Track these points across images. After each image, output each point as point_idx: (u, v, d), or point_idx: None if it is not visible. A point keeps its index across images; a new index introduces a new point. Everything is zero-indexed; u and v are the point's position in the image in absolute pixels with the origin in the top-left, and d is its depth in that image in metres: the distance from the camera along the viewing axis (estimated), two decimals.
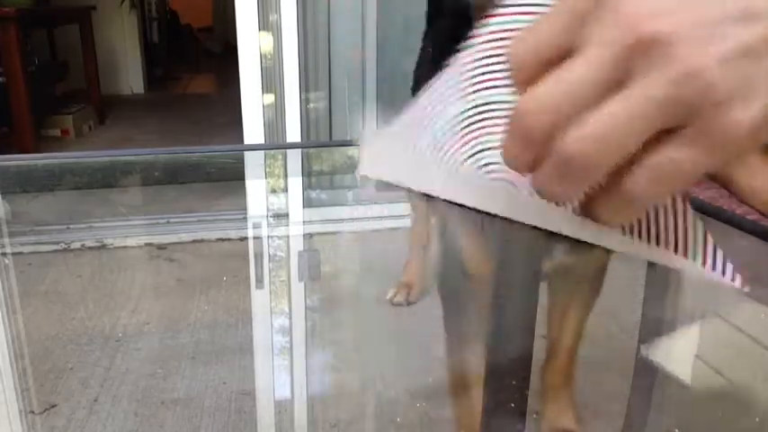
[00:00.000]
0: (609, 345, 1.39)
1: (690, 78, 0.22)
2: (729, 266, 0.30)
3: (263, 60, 2.01)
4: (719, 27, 0.22)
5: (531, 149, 0.25)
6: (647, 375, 0.81)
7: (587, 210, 0.27)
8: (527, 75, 0.25)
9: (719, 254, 0.31)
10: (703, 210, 0.44)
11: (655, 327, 0.83)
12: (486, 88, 0.33)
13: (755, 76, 0.22)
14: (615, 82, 0.23)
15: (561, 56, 0.24)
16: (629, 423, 0.85)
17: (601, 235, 0.31)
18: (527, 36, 0.26)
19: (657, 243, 0.31)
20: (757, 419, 0.88)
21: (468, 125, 0.34)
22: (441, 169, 0.34)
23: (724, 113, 0.22)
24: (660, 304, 0.72)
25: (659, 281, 0.70)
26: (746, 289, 0.30)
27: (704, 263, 0.31)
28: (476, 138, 0.34)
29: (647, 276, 0.72)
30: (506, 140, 0.26)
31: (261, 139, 2.05)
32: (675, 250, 0.31)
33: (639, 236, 0.31)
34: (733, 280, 0.30)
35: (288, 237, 1.46)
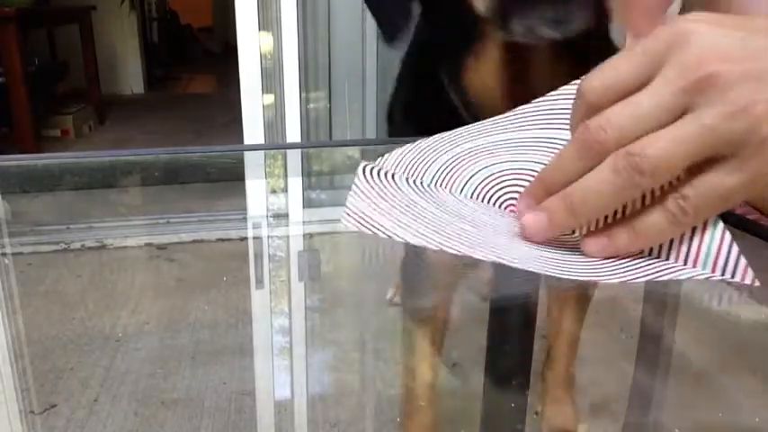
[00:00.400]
0: (609, 345, 1.39)
1: (741, 114, 0.26)
2: (741, 264, 0.31)
3: (263, 60, 2.01)
4: None
5: (593, 159, 0.30)
6: (647, 375, 0.81)
7: (626, 232, 0.31)
8: (598, 104, 0.30)
9: (733, 252, 0.31)
10: None
11: (655, 326, 0.83)
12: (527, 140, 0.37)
13: None
14: (676, 112, 0.28)
15: (632, 91, 0.29)
16: (629, 423, 0.85)
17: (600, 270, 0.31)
18: (604, 71, 0.30)
19: (668, 257, 0.31)
20: (757, 419, 0.88)
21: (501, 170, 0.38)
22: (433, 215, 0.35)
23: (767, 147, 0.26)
24: (660, 304, 0.72)
25: (659, 281, 0.70)
26: (757, 283, 0.31)
27: (714, 266, 0.31)
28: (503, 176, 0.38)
29: None
30: (569, 151, 0.31)
31: (261, 139, 2.05)
32: (686, 259, 0.31)
33: (650, 253, 0.31)
34: (743, 278, 0.31)
35: (288, 237, 1.46)
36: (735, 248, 0.31)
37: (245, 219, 1.91)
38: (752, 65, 0.26)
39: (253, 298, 1.56)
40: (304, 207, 2.13)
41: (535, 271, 0.31)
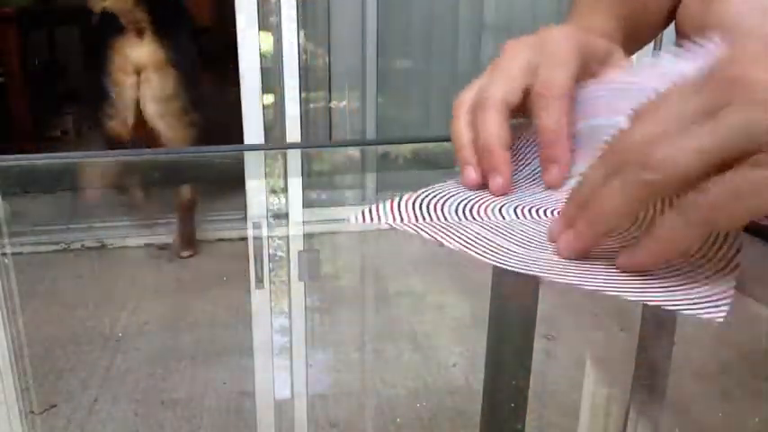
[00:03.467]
0: (609, 345, 1.39)
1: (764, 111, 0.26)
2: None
3: (263, 60, 2.01)
4: None
5: (614, 169, 0.30)
6: (648, 375, 0.81)
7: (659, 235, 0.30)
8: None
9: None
10: None
11: (655, 327, 0.83)
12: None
13: None
14: (707, 113, 0.27)
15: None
16: (629, 423, 0.85)
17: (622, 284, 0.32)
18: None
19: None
20: (757, 419, 0.88)
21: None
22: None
23: None
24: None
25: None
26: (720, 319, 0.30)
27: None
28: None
29: None
30: (594, 165, 0.31)
31: (261, 139, 2.05)
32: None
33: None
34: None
35: (288, 237, 1.46)
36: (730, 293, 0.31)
37: (245, 219, 1.91)
38: None
39: (253, 298, 1.56)
40: (304, 207, 2.13)
41: (577, 285, 0.31)
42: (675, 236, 0.29)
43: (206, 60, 2.22)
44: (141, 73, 1.84)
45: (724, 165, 0.27)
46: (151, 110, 1.86)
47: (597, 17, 0.48)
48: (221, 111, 2.27)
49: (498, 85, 0.39)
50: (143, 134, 1.89)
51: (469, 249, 0.33)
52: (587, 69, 0.40)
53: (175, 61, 1.85)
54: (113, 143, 1.94)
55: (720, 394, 1.16)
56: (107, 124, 1.94)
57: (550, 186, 0.39)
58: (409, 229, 0.35)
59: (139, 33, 1.82)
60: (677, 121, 0.28)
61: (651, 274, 0.31)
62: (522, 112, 0.39)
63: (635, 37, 0.50)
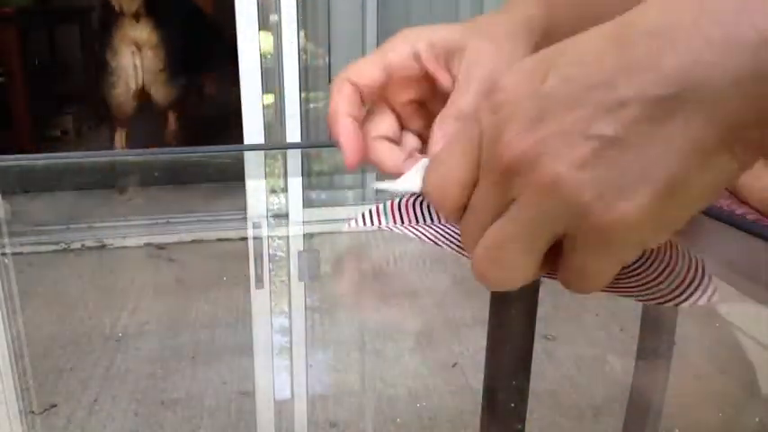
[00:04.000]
0: (609, 345, 1.39)
1: (549, 190, 0.22)
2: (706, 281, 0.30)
3: (263, 60, 2.01)
4: (580, 128, 0.22)
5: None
6: (647, 375, 0.81)
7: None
8: (453, 204, 0.28)
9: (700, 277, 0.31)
10: (703, 210, 0.44)
11: (655, 327, 0.83)
12: None
13: (629, 163, 0.21)
14: (505, 205, 0.24)
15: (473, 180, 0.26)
16: (629, 423, 0.85)
17: None
18: (440, 168, 0.28)
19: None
20: (757, 419, 0.88)
21: None
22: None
23: (603, 210, 0.21)
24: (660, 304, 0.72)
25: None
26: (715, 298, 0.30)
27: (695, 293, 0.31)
28: None
29: None
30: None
31: (261, 139, 2.05)
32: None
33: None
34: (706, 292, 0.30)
35: (288, 237, 1.46)
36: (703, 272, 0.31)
37: (245, 219, 1.91)
38: (557, 123, 0.22)
39: (253, 298, 1.56)
40: (304, 207, 2.14)
41: None
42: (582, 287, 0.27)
43: (197, 39, 2.77)
44: (141, 49, 2.39)
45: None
46: (147, 79, 2.44)
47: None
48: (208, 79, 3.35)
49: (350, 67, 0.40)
50: (140, 98, 2.47)
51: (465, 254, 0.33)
52: (436, 56, 0.39)
53: (167, 40, 2.40)
54: (117, 110, 2.50)
55: (720, 394, 1.16)
56: (111, 92, 2.49)
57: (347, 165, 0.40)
58: (409, 233, 0.35)
59: (136, 17, 2.34)
60: (489, 213, 0.25)
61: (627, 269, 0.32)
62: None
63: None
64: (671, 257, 0.31)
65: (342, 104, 0.39)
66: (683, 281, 0.30)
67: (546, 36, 0.38)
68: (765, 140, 0.20)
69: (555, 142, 0.22)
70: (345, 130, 0.39)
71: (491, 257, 0.25)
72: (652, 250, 0.31)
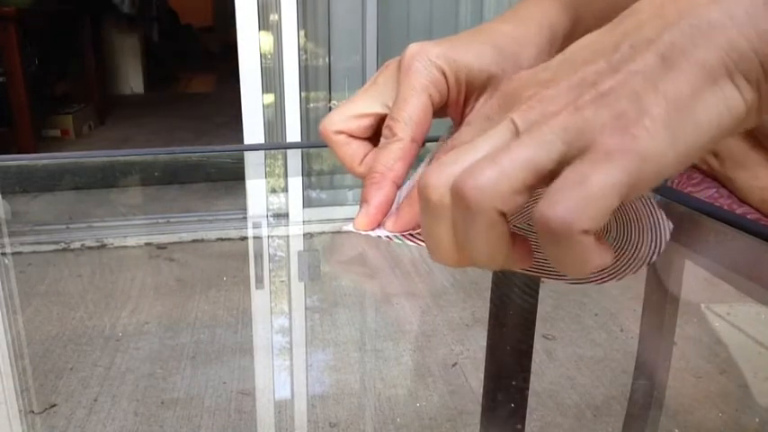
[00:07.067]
0: (609, 345, 1.39)
1: (571, 113, 0.23)
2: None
3: (263, 60, 2.01)
4: (593, 71, 0.23)
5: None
6: (647, 375, 0.81)
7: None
8: None
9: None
10: (703, 210, 0.44)
11: (655, 327, 0.83)
12: None
13: (641, 87, 0.22)
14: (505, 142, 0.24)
15: None
16: (629, 423, 0.85)
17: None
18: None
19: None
20: (757, 420, 0.88)
21: None
22: None
23: (620, 128, 0.22)
24: (660, 304, 0.72)
25: (659, 280, 0.70)
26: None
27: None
28: None
29: (648, 275, 0.73)
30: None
31: (261, 139, 2.05)
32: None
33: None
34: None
35: (288, 237, 1.46)
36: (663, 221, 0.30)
37: (245, 219, 1.91)
38: (557, 81, 0.24)
39: (253, 298, 1.56)
40: (304, 207, 2.13)
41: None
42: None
43: None
44: None
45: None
46: None
47: (542, 5, 0.41)
48: None
49: (339, 111, 0.37)
50: None
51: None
52: (458, 91, 0.36)
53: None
54: None
55: (720, 394, 1.16)
56: None
57: (356, 228, 0.35)
58: (408, 241, 0.35)
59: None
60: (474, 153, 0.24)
61: None
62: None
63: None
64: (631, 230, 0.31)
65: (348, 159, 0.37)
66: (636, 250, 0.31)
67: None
68: (761, 80, 0.22)
69: (567, 91, 0.24)
70: (386, 198, 0.35)
71: (488, 166, 0.23)
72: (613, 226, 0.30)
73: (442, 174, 0.25)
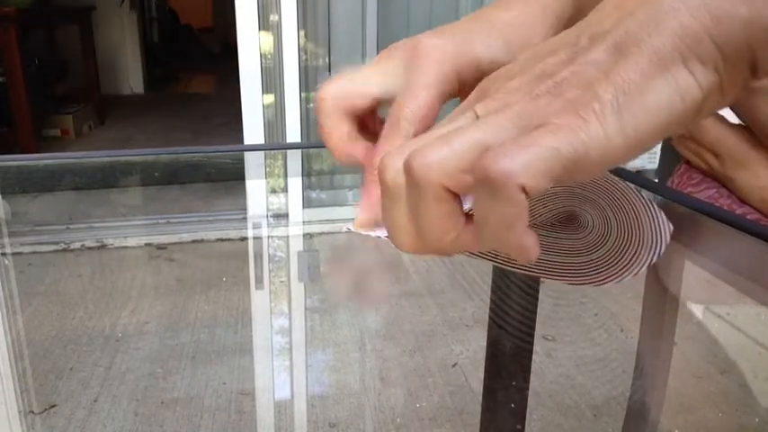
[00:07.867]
0: (609, 345, 1.39)
1: (535, 83, 0.24)
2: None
3: (263, 60, 2.01)
4: (553, 62, 0.24)
5: None
6: (647, 375, 0.81)
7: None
8: None
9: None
10: (703, 210, 0.44)
11: (655, 327, 0.83)
12: None
13: (594, 68, 0.23)
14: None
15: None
16: (629, 423, 0.85)
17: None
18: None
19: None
20: (757, 420, 0.88)
21: None
22: None
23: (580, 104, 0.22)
24: (660, 304, 0.72)
25: (659, 281, 0.70)
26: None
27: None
28: None
29: (648, 275, 0.73)
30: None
31: (261, 139, 2.05)
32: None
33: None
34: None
35: (288, 237, 1.46)
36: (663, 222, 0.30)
37: (245, 219, 1.91)
38: (523, 73, 0.25)
39: (253, 298, 1.56)
40: (304, 207, 2.14)
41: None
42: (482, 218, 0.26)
43: None
44: None
45: None
46: None
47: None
48: None
49: (341, 86, 0.37)
50: None
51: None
52: (469, 85, 0.36)
53: None
54: None
55: (720, 394, 1.16)
56: None
57: (357, 228, 0.35)
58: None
59: None
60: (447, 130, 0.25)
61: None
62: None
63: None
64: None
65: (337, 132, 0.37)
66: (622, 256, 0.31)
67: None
68: (718, 63, 0.22)
69: (528, 82, 0.24)
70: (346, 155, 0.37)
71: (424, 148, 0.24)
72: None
73: (399, 155, 0.25)
